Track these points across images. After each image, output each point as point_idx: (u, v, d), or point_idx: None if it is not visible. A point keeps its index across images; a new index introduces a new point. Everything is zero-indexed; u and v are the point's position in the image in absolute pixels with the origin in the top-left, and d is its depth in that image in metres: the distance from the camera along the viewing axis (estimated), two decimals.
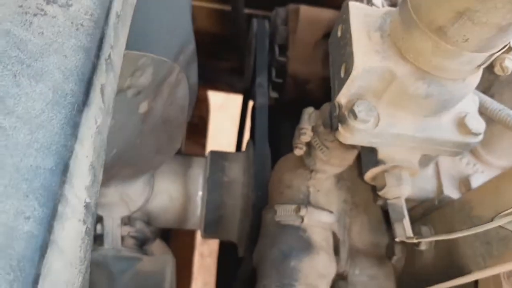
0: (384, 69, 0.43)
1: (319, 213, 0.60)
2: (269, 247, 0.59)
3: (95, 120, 0.33)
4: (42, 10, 0.30)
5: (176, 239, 1.12)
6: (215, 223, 0.73)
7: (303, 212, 0.59)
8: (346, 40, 0.46)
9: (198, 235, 1.63)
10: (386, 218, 0.69)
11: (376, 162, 0.51)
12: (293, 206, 0.60)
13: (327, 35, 0.86)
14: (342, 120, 0.48)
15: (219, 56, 1.37)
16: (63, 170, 0.30)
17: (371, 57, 0.43)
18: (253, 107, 1.09)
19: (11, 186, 0.27)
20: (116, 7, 0.35)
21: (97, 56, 0.32)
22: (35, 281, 0.28)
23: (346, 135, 0.48)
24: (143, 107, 0.58)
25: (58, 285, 0.31)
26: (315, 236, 0.59)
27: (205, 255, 1.76)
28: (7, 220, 0.27)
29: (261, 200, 0.68)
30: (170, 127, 0.67)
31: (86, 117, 0.31)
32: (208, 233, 0.74)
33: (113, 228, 0.70)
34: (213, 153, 0.77)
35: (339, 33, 0.49)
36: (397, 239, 0.51)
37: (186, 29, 0.66)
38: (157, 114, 0.62)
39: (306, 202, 0.62)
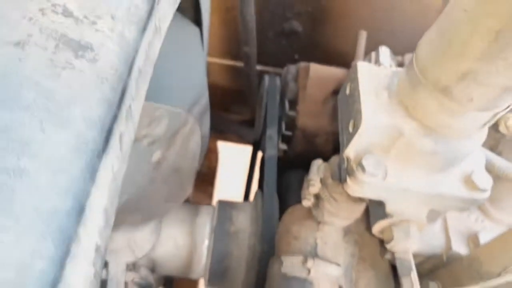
0: (391, 126, 0.44)
1: (326, 266, 0.59)
2: None
3: (112, 167, 0.34)
4: (70, 64, 0.33)
5: (179, 286, 1.10)
6: (220, 273, 0.72)
7: (310, 264, 0.58)
8: (355, 97, 0.48)
9: (201, 283, 1.59)
10: (394, 273, 0.68)
11: (384, 215, 0.51)
12: (300, 258, 0.59)
13: (335, 92, 0.89)
14: (350, 173, 0.48)
15: (231, 109, 1.41)
16: (79, 212, 0.31)
17: (379, 114, 0.44)
18: (262, 159, 1.11)
19: (30, 227, 0.28)
20: (139, 63, 0.37)
21: (119, 107, 0.34)
22: None
23: (354, 188, 0.48)
24: (156, 156, 0.60)
25: None
26: None
27: None
28: (23, 258, 0.27)
29: (268, 252, 0.68)
30: (181, 176, 0.68)
31: (104, 164, 0.33)
32: (212, 284, 0.73)
33: (117, 274, 0.69)
34: (221, 202, 0.78)
35: (347, 91, 0.51)
36: None
37: (200, 83, 0.69)
38: (169, 163, 0.64)
39: (314, 254, 0.62)
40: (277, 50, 1.17)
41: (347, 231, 0.68)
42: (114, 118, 0.33)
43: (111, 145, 0.33)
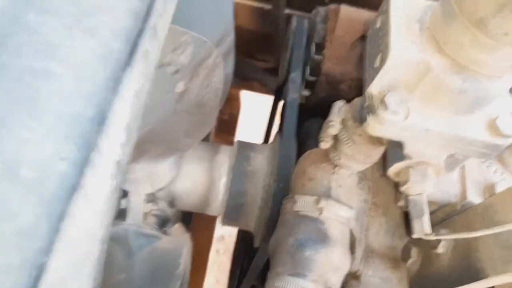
0: (419, 61, 0.43)
1: (338, 207, 0.60)
2: (286, 235, 0.60)
3: (136, 81, 0.35)
4: None
5: (195, 233, 1.14)
6: (236, 210, 0.74)
7: (322, 204, 0.59)
8: (385, 30, 0.46)
9: (216, 232, 1.64)
10: (406, 223, 0.69)
11: (402, 157, 0.51)
12: (313, 198, 0.61)
13: (364, 37, 0.87)
14: (372, 110, 0.48)
15: (256, 56, 1.39)
16: (101, 121, 0.32)
17: (408, 48, 0.43)
18: (284, 106, 1.11)
19: (53, 129, 0.29)
20: None
21: (145, 21, 0.34)
22: (61, 218, 0.30)
23: (375, 126, 0.48)
24: (180, 87, 0.61)
25: (81, 229, 0.33)
26: (332, 229, 0.60)
27: (221, 252, 1.78)
28: (45, 158, 0.29)
29: (282, 191, 0.69)
30: (203, 111, 0.69)
31: (128, 77, 0.33)
32: (228, 220, 0.76)
33: (137, 204, 0.72)
34: (240, 143, 0.79)
35: (378, 24, 0.50)
36: (414, 236, 0.51)
37: (227, 20, 0.69)
38: (191, 95, 0.64)
39: (327, 195, 0.63)
40: None
41: (362, 177, 0.69)
42: (140, 32, 0.34)
43: (136, 58, 0.34)
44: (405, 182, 0.52)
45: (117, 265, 0.74)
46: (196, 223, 1.20)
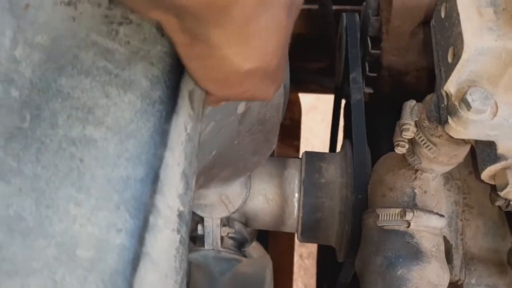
0: (500, 49, 0.35)
1: (428, 217, 0.51)
2: (373, 254, 0.52)
3: (185, 127, 0.30)
4: (127, 18, 0.28)
5: (275, 241, 1.09)
6: (313, 226, 0.68)
7: (409, 216, 0.51)
8: (453, 19, 0.38)
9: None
10: (508, 221, 0.58)
11: (496, 158, 0.42)
12: (398, 210, 0.52)
13: (425, 22, 0.76)
14: (452, 111, 0.40)
15: (308, 58, 1.31)
16: (154, 179, 0.28)
17: (484, 36, 0.35)
18: (346, 105, 1.02)
19: (103, 198, 0.25)
20: None
21: None
22: None
23: (458, 129, 0.40)
24: (241, 108, 0.56)
25: None
26: (424, 242, 0.51)
27: (304, 256, 1.72)
28: (99, 233, 0.25)
29: (361, 202, 0.62)
30: (266, 128, 0.63)
31: (175, 125, 0.29)
32: (305, 237, 0.70)
33: (213, 229, 0.68)
34: (308, 154, 0.72)
35: (442, 14, 0.41)
36: None
37: None
38: (253, 114, 0.59)
39: (412, 205, 0.54)
40: None
41: (448, 178, 0.59)
42: (180, 74, 0.29)
43: (180, 103, 0.29)
44: (504, 186, 0.43)
45: None
46: (275, 234, 1.15)
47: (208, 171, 0.61)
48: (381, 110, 0.83)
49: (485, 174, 0.42)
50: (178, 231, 0.32)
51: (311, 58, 1.29)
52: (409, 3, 0.76)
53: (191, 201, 0.37)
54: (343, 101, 1.02)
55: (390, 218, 0.52)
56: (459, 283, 0.56)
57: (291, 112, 1.55)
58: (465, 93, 0.39)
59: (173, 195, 0.30)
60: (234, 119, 0.56)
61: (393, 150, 0.55)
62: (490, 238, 0.57)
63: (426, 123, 0.49)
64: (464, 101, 0.38)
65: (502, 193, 0.42)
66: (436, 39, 0.42)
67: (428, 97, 0.51)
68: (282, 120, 0.72)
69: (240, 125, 0.58)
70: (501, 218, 0.57)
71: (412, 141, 0.53)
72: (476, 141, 0.43)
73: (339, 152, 0.72)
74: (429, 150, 0.50)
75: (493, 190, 0.53)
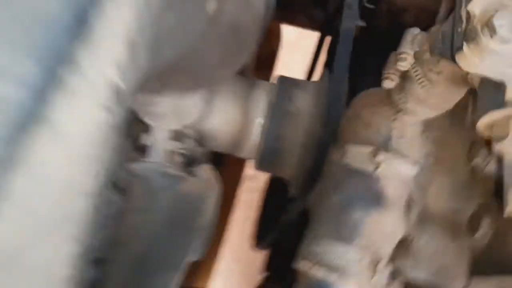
0: None
1: (400, 163, 0.46)
2: (331, 191, 0.47)
3: None
4: None
5: (226, 170, 1.03)
6: (272, 155, 0.61)
7: (380, 157, 0.45)
8: None
9: (248, 170, 1.54)
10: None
11: (501, 103, 0.35)
12: (369, 149, 0.46)
13: None
14: (470, 37, 0.32)
15: None
16: (79, 24, 0.19)
17: None
18: (333, 37, 0.93)
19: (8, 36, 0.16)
20: None
21: None
22: (9, 169, 0.19)
23: (472, 59, 0.33)
24: (212, 4, 0.45)
25: (53, 179, 0.21)
26: (389, 189, 0.46)
27: (253, 190, 1.69)
28: None
29: (329, 137, 0.55)
30: (240, 36, 0.54)
31: None
32: (262, 165, 0.63)
33: (161, 141, 0.60)
34: (282, 78, 0.64)
35: None
36: (507, 213, 0.37)
37: None
38: (226, 17, 0.49)
39: (386, 147, 0.48)
40: None
41: (426, 125, 0.53)
42: None
43: None
44: (501, 138, 0.37)
45: (136, 206, 0.64)
46: (227, 160, 1.08)
47: (163, 76, 0.51)
48: (369, 48, 0.74)
49: (483, 122, 0.36)
50: (109, 111, 0.23)
51: None
52: None
53: (137, 85, 0.28)
54: (329, 38, 0.93)
55: (359, 157, 0.46)
56: (408, 239, 0.52)
57: (271, 44, 1.44)
58: (492, 16, 0.31)
59: (108, 60, 0.22)
60: (202, 17, 0.46)
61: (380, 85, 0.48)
62: (453, 199, 0.52)
63: (427, 55, 0.42)
64: (488, 25, 0.31)
65: (497, 146, 0.36)
66: None
67: (435, 28, 0.43)
68: (260, 35, 0.62)
69: (209, 27, 0.49)
70: (471, 179, 0.52)
71: (404, 76, 0.46)
72: (482, 81, 0.36)
73: (315, 81, 0.64)
74: (422, 87, 0.43)
75: (475, 145, 0.48)
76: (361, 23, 0.74)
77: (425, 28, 0.73)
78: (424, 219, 0.51)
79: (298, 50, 1.64)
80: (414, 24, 0.71)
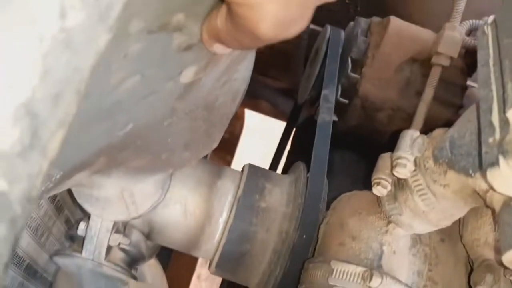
0: None
1: None
2: None
3: None
4: None
5: (177, 258, 0.89)
6: (234, 259, 0.51)
7: (375, 282, 0.36)
8: None
9: (199, 268, 1.39)
10: None
11: None
12: (361, 269, 0.38)
13: (414, 60, 0.66)
14: (511, 150, 0.26)
15: (268, 73, 1.17)
16: None
17: None
18: (297, 132, 0.89)
19: None
20: None
21: None
22: None
23: (510, 178, 0.26)
24: (187, 75, 0.38)
25: None
26: None
27: (202, 278, 1.51)
28: None
29: (304, 244, 0.46)
30: (212, 117, 0.46)
31: None
32: (221, 270, 0.52)
33: (99, 233, 0.48)
34: (252, 167, 0.56)
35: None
36: None
37: None
38: (202, 92, 0.42)
39: (377, 265, 0.40)
40: (334, 6, 0.92)
41: (416, 241, 0.46)
42: None
43: None
44: None
45: None
46: (176, 255, 0.95)
47: (115, 152, 0.41)
48: (339, 142, 0.70)
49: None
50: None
51: (271, 74, 1.15)
52: (406, 32, 0.66)
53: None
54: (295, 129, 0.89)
55: (348, 278, 0.37)
56: None
57: (233, 126, 1.39)
58: None
59: None
60: (173, 88, 0.38)
61: (344, 192, 0.41)
62: None
63: (430, 163, 0.36)
64: None
65: None
66: (499, 40, 0.29)
67: (438, 132, 0.38)
68: (230, 118, 0.56)
69: (179, 101, 0.41)
70: None
71: (399, 183, 0.39)
72: (506, 203, 0.30)
73: (289, 175, 0.56)
74: (423, 200, 0.36)
75: (478, 270, 0.41)
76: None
77: (397, 130, 0.70)
78: None
79: (258, 136, 1.61)
80: (386, 124, 0.69)
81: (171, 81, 0.37)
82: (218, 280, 0.96)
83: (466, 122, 0.35)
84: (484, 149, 0.27)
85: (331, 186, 0.53)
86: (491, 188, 0.27)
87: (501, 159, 0.26)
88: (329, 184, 0.53)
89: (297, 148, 0.88)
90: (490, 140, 0.27)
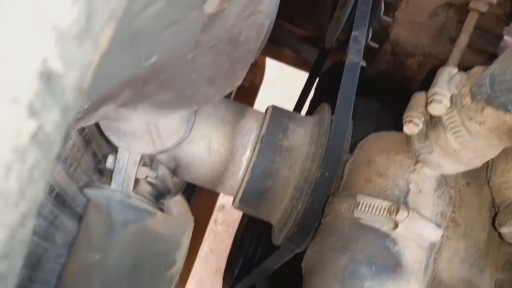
0: None
1: (424, 224, 0.37)
2: (337, 251, 0.37)
3: None
4: None
5: (197, 198, 0.91)
6: (257, 194, 0.51)
7: (402, 215, 0.36)
8: None
9: (218, 200, 1.42)
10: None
11: None
12: (387, 203, 0.37)
13: (451, 5, 0.62)
14: None
15: (293, 21, 1.13)
16: None
17: None
18: (321, 77, 0.86)
19: None
20: None
21: None
22: None
23: None
24: (212, 4, 0.36)
25: None
26: (407, 254, 0.37)
27: (218, 222, 1.56)
28: None
29: (326, 181, 0.46)
30: (236, 52, 0.45)
31: None
32: (244, 205, 0.53)
33: (127, 165, 0.49)
34: (275, 108, 0.55)
35: None
36: None
37: None
38: (225, 24, 0.40)
39: (403, 202, 0.39)
40: None
41: (441, 183, 0.45)
42: None
43: None
44: None
45: (92, 240, 0.52)
46: (199, 189, 0.97)
47: (140, 85, 0.41)
48: (365, 90, 0.67)
49: None
50: None
51: (296, 22, 1.11)
52: None
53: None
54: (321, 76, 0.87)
55: (374, 211, 0.37)
56: None
57: (253, 74, 1.37)
58: None
59: None
60: (197, 18, 0.36)
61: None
62: (467, 266, 0.44)
63: (467, 100, 0.34)
64: None
65: None
66: None
67: (478, 69, 0.36)
68: (257, 56, 0.54)
69: (203, 33, 0.39)
70: (487, 247, 0.45)
71: (431, 121, 0.38)
72: None
73: (313, 116, 0.55)
74: (456, 138, 0.35)
75: (504, 211, 0.40)
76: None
77: (425, 78, 0.68)
78: (435, 287, 0.42)
79: (278, 87, 1.58)
80: (416, 71, 0.66)
81: (195, 10, 0.35)
82: (234, 223, 0.99)
83: (508, 59, 0.33)
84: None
85: (354, 132, 0.52)
86: None
87: None
88: (352, 130, 0.52)
89: (321, 96, 0.86)
90: None
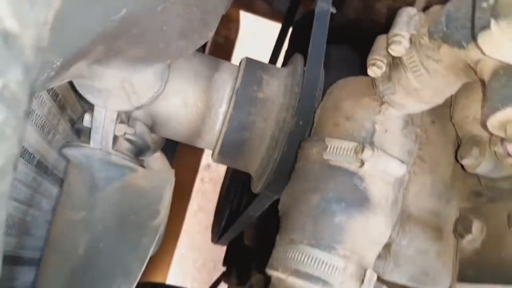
0: None
1: (387, 160, 0.40)
2: (309, 191, 0.40)
3: None
4: None
5: (181, 157, 0.93)
6: (235, 146, 0.53)
7: (367, 154, 0.39)
8: None
9: (203, 159, 1.44)
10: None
11: None
12: (353, 144, 0.40)
13: None
14: (503, 12, 0.26)
15: None
16: None
17: None
18: (294, 28, 0.86)
19: None
20: None
21: None
22: None
23: (500, 41, 0.26)
24: None
25: None
26: (374, 190, 0.40)
27: (205, 180, 1.59)
28: None
29: (300, 130, 0.48)
30: (206, 4, 0.44)
31: None
32: (223, 157, 0.55)
33: (105, 123, 0.50)
34: (249, 60, 0.55)
35: None
36: None
37: None
38: None
39: (369, 142, 0.42)
40: None
41: (407, 122, 0.47)
42: None
43: None
44: None
45: (75, 200, 0.53)
46: (181, 149, 0.99)
47: (112, 40, 0.41)
48: (337, 37, 0.68)
49: (498, 117, 0.30)
50: None
51: None
52: None
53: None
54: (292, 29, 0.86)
55: (342, 152, 0.39)
56: (389, 241, 0.46)
57: (227, 29, 1.35)
58: None
59: None
60: None
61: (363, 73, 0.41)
62: (434, 199, 0.47)
63: (425, 40, 0.36)
64: None
65: (510, 148, 0.31)
66: None
67: (434, 8, 0.37)
68: (226, 10, 0.54)
69: None
70: (453, 180, 0.48)
71: (393, 63, 0.39)
72: (496, 72, 0.31)
73: (286, 67, 0.56)
74: (416, 77, 0.37)
75: (466, 144, 0.43)
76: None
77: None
78: (404, 220, 0.46)
79: (254, 40, 1.56)
80: (384, 15, 0.67)
81: None
82: (221, 181, 1.01)
83: None
84: (477, 15, 0.27)
85: (327, 80, 0.53)
86: (482, 53, 0.28)
87: (492, 22, 0.26)
88: (325, 77, 0.53)
89: (295, 46, 0.86)
90: (484, 4, 0.27)
